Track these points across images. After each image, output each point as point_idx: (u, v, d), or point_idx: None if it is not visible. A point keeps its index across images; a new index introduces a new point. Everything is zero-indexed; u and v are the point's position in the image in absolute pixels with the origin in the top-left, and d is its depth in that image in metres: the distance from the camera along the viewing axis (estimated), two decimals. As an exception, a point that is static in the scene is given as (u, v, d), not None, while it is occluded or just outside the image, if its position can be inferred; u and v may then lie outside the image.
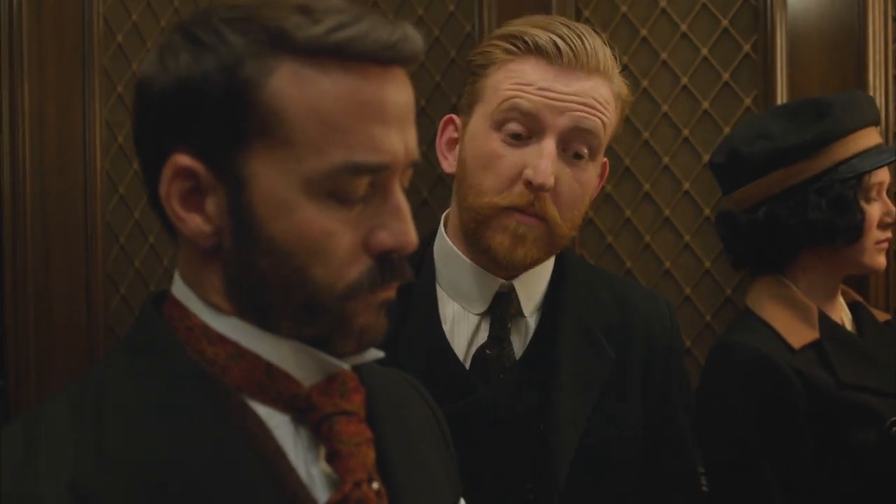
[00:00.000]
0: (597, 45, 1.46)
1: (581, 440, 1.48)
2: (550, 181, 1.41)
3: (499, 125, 1.45)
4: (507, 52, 1.46)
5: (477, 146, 1.47)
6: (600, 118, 1.45)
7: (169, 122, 0.91)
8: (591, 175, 1.49)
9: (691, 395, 1.70)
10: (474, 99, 1.50)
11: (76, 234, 2.75)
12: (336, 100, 0.88)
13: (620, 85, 1.50)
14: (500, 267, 1.49)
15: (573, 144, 1.44)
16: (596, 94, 1.45)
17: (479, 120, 1.48)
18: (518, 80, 1.44)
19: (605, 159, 1.57)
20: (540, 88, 1.43)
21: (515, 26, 1.49)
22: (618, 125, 1.53)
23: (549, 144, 1.42)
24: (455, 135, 1.55)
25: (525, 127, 1.43)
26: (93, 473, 0.85)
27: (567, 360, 1.51)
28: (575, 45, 1.44)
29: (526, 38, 1.45)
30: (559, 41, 1.43)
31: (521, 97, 1.43)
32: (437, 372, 1.47)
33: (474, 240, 1.48)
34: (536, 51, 1.44)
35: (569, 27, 1.46)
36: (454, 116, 1.56)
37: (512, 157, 1.44)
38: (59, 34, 2.75)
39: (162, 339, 0.94)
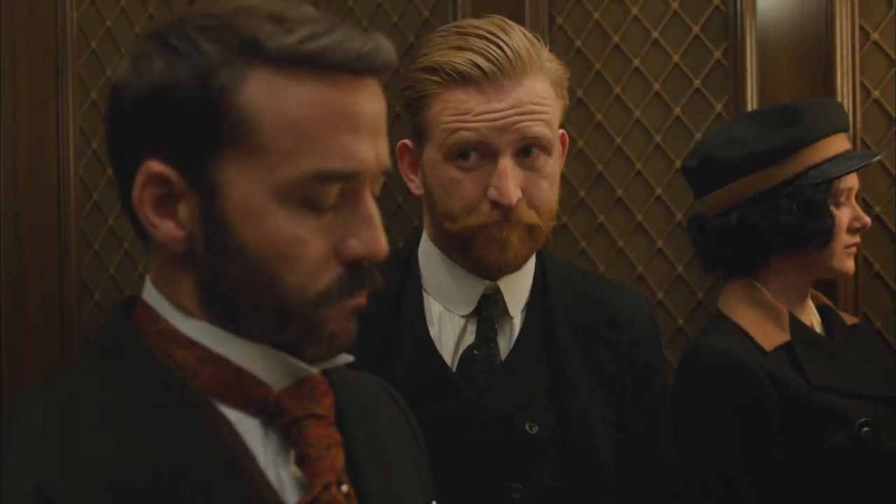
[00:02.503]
0: (517, 45, 1.43)
1: (591, 438, 1.51)
2: (517, 196, 1.43)
3: (450, 157, 1.46)
4: (435, 83, 1.45)
5: (436, 176, 1.49)
6: (543, 118, 1.45)
7: (142, 128, 0.91)
8: (553, 167, 1.50)
9: (668, 391, 1.72)
10: (421, 134, 1.51)
11: (50, 240, 2.74)
12: (308, 108, 0.89)
13: (553, 68, 1.49)
14: (498, 274, 1.51)
15: (526, 149, 1.45)
16: (532, 96, 1.44)
17: (432, 153, 1.48)
18: (455, 111, 1.44)
19: (562, 131, 1.56)
20: (478, 114, 1.42)
21: (433, 54, 1.47)
22: (564, 104, 1.52)
23: (504, 163, 1.43)
24: (413, 158, 1.56)
25: (476, 152, 1.44)
26: (60, 475, 0.85)
27: (574, 359, 1.54)
28: (496, 58, 1.42)
29: (446, 68, 1.43)
30: (480, 60, 1.42)
31: (463, 130, 1.43)
32: (426, 374, 1.49)
33: (467, 256, 1.50)
34: (461, 78, 1.43)
35: (486, 38, 1.44)
36: (408, 142, 1.56)
37: (472, 181, 1.45)
38: (31, 39, 2.74)
39: (131, 343, 0.94)
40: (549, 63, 1.49)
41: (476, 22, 1.48)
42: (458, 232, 1.48)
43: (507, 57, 1.42)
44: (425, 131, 1.49)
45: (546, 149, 1.47)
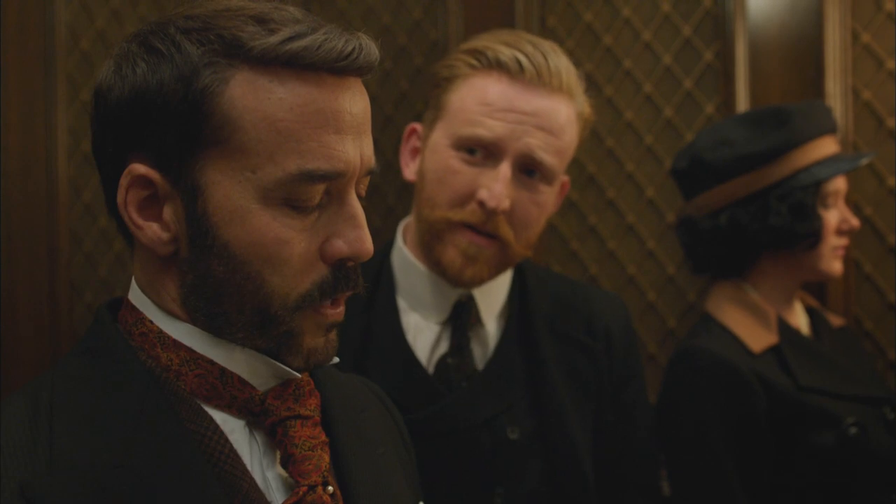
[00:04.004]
0: (560, 65, 1.47)
1: (570, 443, 1.51)
2: (504, 204, 1.43)
3: (458, 146, 1.46)
4: (471, 66, 1.48)
5: (436, 160, 1.49)
6: (557, 145, 1.46)
7: (126, 130, 0.91)
8: (547, 197, 1.50)
9: (646, 394, 1.72)
10: (437, 114, 1.51)
11: (40, 242, 2.73)
12: (290, 109, 0.89)
13: (583, 104, 1.52)
14: (451, 283, 1.51)
15: (529, 166, 1.46)
16: (557, 114, 1.46)
17: (440, 136, 1.49)
18: (480, 100, 1.45)
19: (566, 178, 1.58)
20: (500, 110, 1.44)
21: (481, 41, 1.50)
22: (579, 144, 1.54)
23: (505, 169, 1.44)
24: (418, 144, 1.56)
25: (484, 149, 1.45)
26: (44, 476, 0.85)
27: (553, 366, 1.54)
28: (538, 63, 1.45)
29: (489, 54, 1.46)
30: (522, 57, 1.45)
31: (482, 126, 1.44)
32: (403, 381, 1.49)
33: (429, 252, 1.50)
34: (498, 66, 1.46)
35: (534, 45, 1.47)
36: (417, 126, 1.57)
37: (468, 175, 1.46)
38: (21, 41, 2.72)
39: (115, 344, 0.94)
40: (582, 99, 1.51)
41: (533, 36, 1.52)
42: (433, 222, 1.47)
43: (548, 68, 1.45)
44: (442, 114, 1.50)
45: (548, 178, 1.48)
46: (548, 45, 1.49)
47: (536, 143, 1.44)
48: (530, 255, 1.59)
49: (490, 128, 1.43)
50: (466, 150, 1.46)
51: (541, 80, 1.45)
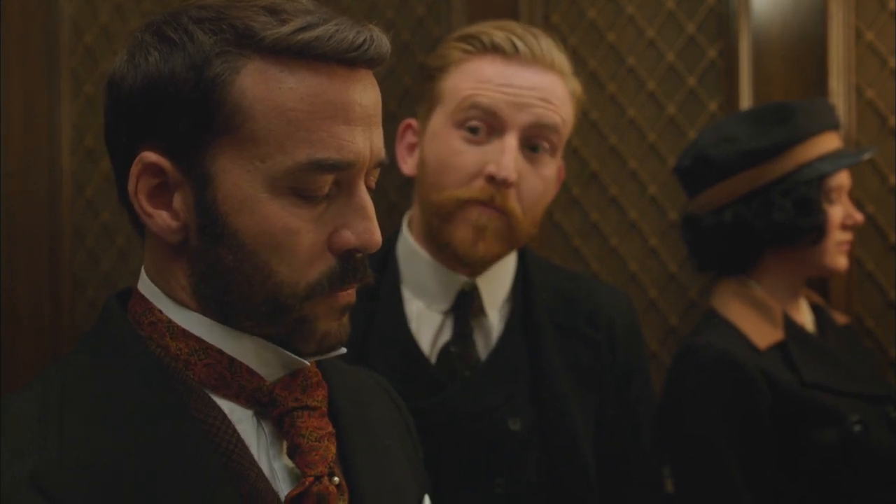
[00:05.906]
0: (551, 45, 1.50)
1: (571, 435, 1.52)
2: (513, 175, 1.44)
3: (459, 123, 1.48)
4: (464, 51, 1.50)
5: (437, 145, 1.50)
6: (559, 113, 1.48)
7: (138, 119, 0.92)
8: (551, 170, 1.52)
9: (651, 388, 1.72)
10: (433, 102, 1.53)
11: (41, 237, 2.73)
12: (301, 99, 0.90)
13: (574, 84, 1.54)
14: (462, 263, 1.51)
15: (534, 139, 1.47)
16: (554, 89, 1.48)
17: (439, 120, 1.50)
18: (476, 79, 1.47)
19: (561, 163, 1.59)
20: (499, 85, 1.46)
21: (472, 28, 1.53)
22: (574, 124, 1.56)
23: (511, 141, 1.45)
24: (414, 139, 1.58)
25: (486, 124, 1.46)
26: (54, 466, 0.85)
27: (555, 357, 1.55)
28: (530, 43, 1.48)
29: (482, 38, 1.48)
30: (515, 39, 1.47)
31: (480, 94, 1.45)
32: (406, 370, 1.50)
33: (437, 236, 1.50)
34: (492, 48, 1.48)
35: (524, 28, 1.51)
36: (412, 122, 1.58)
37: (473, 154, 1.46)
38: (24, 36, 2.73)
39: (124, 335, 0.95)
40: (574, 81, 1.54)
41: (521, 23, 1.55)
42: (441, 203, 1.48)
43: (541, 48, 1.48)
44: (438, 100, 1.51)
45: (552, 147, 1.50)
46: (537, 30, 1.53)
47: (540, 112, 1.46)
48: (535, 233, 1.58)
49: (490, 97, 1.45)
50: (468, 129, 1.47)
51: (535, 59, 1.47)
